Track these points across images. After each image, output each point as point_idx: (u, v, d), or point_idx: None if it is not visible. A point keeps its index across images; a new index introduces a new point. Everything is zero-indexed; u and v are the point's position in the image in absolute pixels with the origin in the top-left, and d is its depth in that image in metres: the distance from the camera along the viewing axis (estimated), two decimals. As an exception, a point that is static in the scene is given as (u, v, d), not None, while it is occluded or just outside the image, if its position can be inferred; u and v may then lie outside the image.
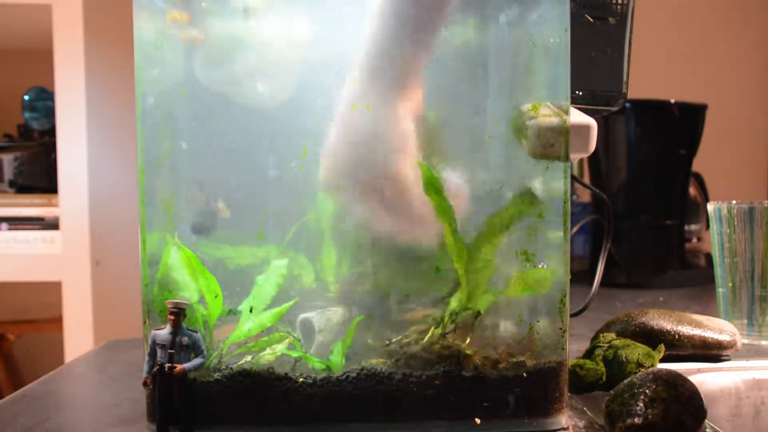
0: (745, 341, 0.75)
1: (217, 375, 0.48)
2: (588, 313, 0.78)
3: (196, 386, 0.47)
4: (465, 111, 0.51)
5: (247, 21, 0.49)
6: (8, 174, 1.35)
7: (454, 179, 0.50)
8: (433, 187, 0.49)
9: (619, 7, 0.65)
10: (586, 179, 1.39)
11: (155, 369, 0.45)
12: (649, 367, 0.56)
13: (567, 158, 0.50)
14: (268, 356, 0.49)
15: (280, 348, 0.49)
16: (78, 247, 1.25)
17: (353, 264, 0.51)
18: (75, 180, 1.25)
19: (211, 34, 0.49)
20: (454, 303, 0.51)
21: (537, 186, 0.50)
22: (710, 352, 0.66)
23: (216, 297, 0.49)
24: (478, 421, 0.48)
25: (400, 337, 0.50)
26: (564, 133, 0.50)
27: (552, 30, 0.50)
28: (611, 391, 0.49)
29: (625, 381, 0.48)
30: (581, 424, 0.50)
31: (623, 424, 0.45)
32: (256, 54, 0.50)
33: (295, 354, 0.49)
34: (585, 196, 1.49)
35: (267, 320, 0.49)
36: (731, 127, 1.80)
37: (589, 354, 0.62)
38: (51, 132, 1.36)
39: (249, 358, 0.49)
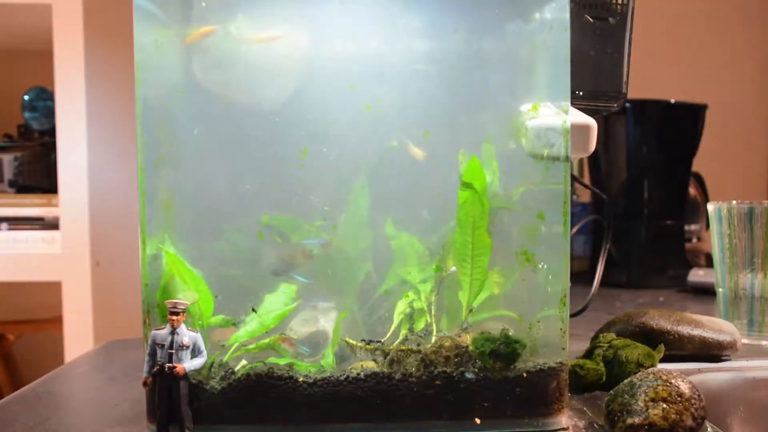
0: (745, 341, 0.75)
1: (217, 375, 0.48)
2: (588, 313, 0.78)
3: (197, 386, 0.47)
4: (465, 111, 0.51)
5: (246, 23, 0.49)
6: (8, 174, 1.35)
7: None
8: (472, 183, 0.49)
9: (619, 7, 0.65)
10: (586, 179, 1.39)
11: (155, 369, 0.45)
12: (649, 367, 0.56)
13: (567, 158, 0.50)
14: (261, 364, 0.49)
15: (270, 357, 0.49)
16: (78, 247, 1.25)
17: (353, 263, 0.51)
18: (75, 180, 1.25)
19: (210, 35, 0.49)
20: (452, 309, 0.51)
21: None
22: (710, 352, 0.66)
23: (207, 298, 0.49)
24: (478, 421, 0.48)
25: (401, 337, 0.50)
26: (564, 133, 0.50)
27: (552, 30, 0.50)
28: (611, 391, 0.49)
29: (625, 381, 0.49)
30: (581, 424, 0.50)
31: (623, 424, 0.45)
32: (256, 55, 0.50)
33: (283, 361, 0.49)
34: (585, 196, 1.49)
35: (270, 322, 0.49)
36: (731, 127, 1.80)
37: (589, 354, 0.62)
38: (51, 132, 1.36)
39: (250, 359, 0.49)
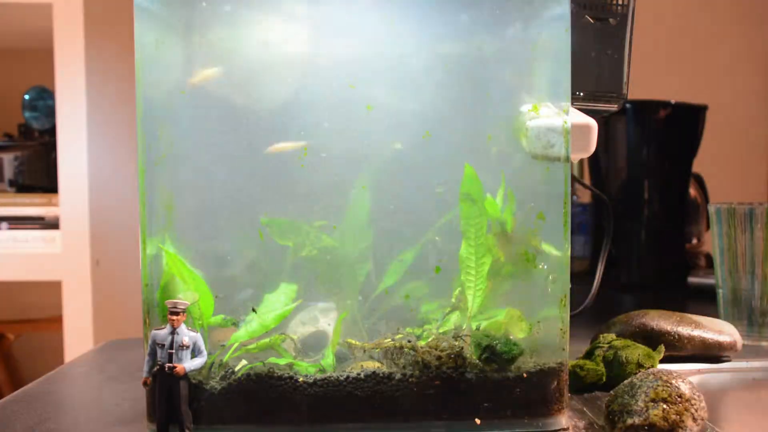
0: (745, 342, 0.75)
1: (217, 375, 0.48)
2: (588, 313, 0.78)
3: (197, 386, 0.47)
4: (465, 111, 0.51)
5: (247, 23, 0.49)
6: (8, 173, 1.35)
7: None
8: (470, 194, 0.49)
9: (619, 7, 0.65)
10: (586, 179, 1.39)
11: (155, 369, 0.45)
12: (649, 368, 0.56)
13: (567, 159, 0.50)
14: (261, 364, 0.49)
15: (270, 357, 0.49)
16: (78, 246, 1.25)
17: (355, 265, 0.51)
18: (75, 179, 1.25)
19: (211, 35, 0.49)
20: (456, 313, 0.51)
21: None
22: (710, 352, 0.66)
23: (207, 298, 0.49)
24: (478, 421, 0.48)
25: (399, 336, 0.50)
26: (564, 133, 0.50)
27: (552, 30, 0.50)
28: (611, 392, 0.49)
29: (625, 381, 0.49)
30: (581, 424, 0.50)
31: (623, 425, 0.45)
32: (257, 55, 0.50)
33: (283, 361, 0.49)
34: (585, 196, 1.49)
35: (270, 322, 0.49)
36: (731, 127, 1.80)
37: (589, 354, 0.62)
38: (51, 131, 1.36)
39: (250, 358, 0.49)
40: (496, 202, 0.50)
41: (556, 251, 0.50)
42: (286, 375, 0.48)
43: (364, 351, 0.49)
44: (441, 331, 0.50)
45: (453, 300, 0.51)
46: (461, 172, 0.50)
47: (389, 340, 0.49)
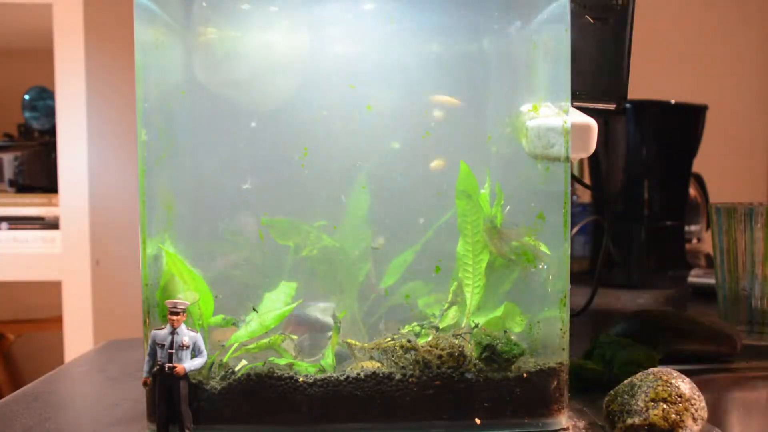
0: (745, 342, 0.75)
1: (217, 375, 0.48)
2: (588, 313, 0.78)
3: (197, 386, 0.47)
4: (466, 111, 0.51)
5: (247, 24, 0.49)
6: (8, 173, 1.35)
7: None
8: (466, 191, 0.49)
9: (619, 7, 0.65)
10: (586, 179, 1.39)
11: (155, 369, 0.45)
12: (649, 368, 0.56)
13: (567, 158, 0.50)
14: (261, 364, 0.49)
15: (270, 357, 0.49)
16: (78, 246, 1.25)
17: (354, 263, 0.51)
18: (75, 179, 1.25)
19: (211, 36, 0.49)
20: (455, 309, 0.51)
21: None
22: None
23: (207, 298, 0.49)
24: (478, 421, 0.48)
25: (397, 336, 0.50)
26: (564, 133, 0.50)
27: (552, 30, 0.50)
28: (611, 391, 0.49)
29: (625, 381, 0.49)
30: (581, 424, 0.50)
31: (623, 425, 0.45)
32: (257, 55, 0.50)
33: (283, 361, 0.49)
34: (585, 196, 1.49)
35: (270, 322, 0.49)
36: (731, 127, 1.80)
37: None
38: (51, 131, 1.36)
39: (250, 358, 0.49)
40: (487, 197, 0.50)
41: (554, 250, 0.50)
42: (286, 375, 0.47)
43: (365, 351, 0.49)
44: (441, 326, 0.51)
45: (450, 296, 0.51)
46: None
47: (389, 340, 0.49)
